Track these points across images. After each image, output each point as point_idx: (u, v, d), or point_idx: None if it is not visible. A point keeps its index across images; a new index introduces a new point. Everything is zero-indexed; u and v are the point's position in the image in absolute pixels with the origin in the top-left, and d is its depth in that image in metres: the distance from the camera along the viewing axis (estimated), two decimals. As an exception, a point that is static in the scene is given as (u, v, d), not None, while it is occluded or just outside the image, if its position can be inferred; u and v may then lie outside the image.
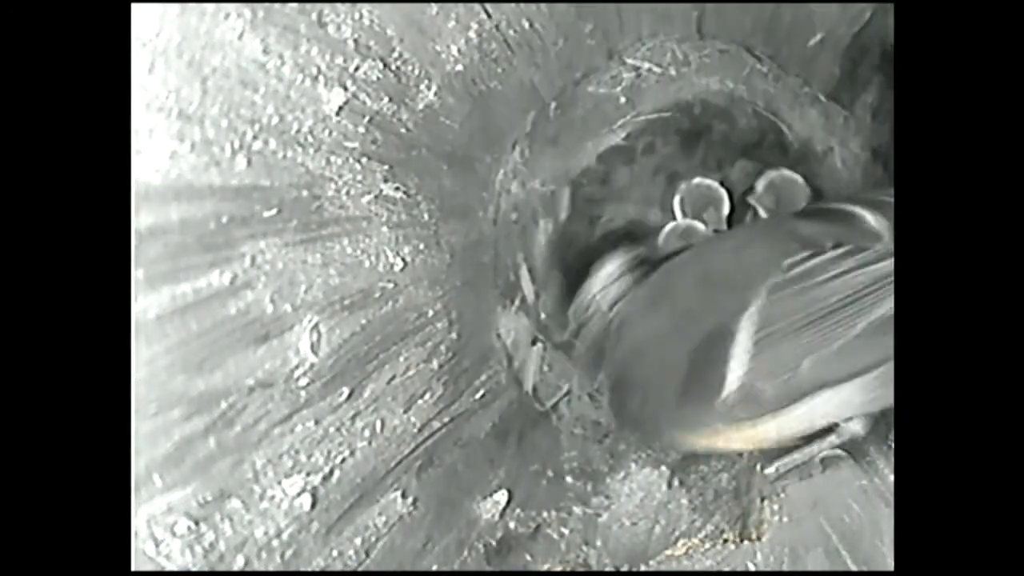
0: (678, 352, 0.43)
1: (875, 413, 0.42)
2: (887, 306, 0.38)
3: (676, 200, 0.56)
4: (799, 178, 0.56)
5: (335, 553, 0.41)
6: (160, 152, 0.33)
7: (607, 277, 0.49)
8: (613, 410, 0.48)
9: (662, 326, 0.45)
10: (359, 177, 0.41)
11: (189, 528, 0.35)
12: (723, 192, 0.56)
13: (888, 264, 0.39)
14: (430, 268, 0.46)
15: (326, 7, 0.37)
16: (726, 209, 0.56)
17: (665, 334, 0.44)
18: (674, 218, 0.56)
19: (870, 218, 0.42)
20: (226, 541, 0.37)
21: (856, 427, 0.43)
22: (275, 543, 0.39)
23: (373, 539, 0.43)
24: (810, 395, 0.40)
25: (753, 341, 0.40)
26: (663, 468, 0.52)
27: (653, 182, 0.57)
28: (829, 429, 0.44)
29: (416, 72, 0.42)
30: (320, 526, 0.40)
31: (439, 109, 0.45)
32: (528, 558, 0.49)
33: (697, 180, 0.56)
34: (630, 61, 0.54)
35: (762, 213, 0.54)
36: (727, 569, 0.46)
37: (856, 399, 0.40)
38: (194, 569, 0.36)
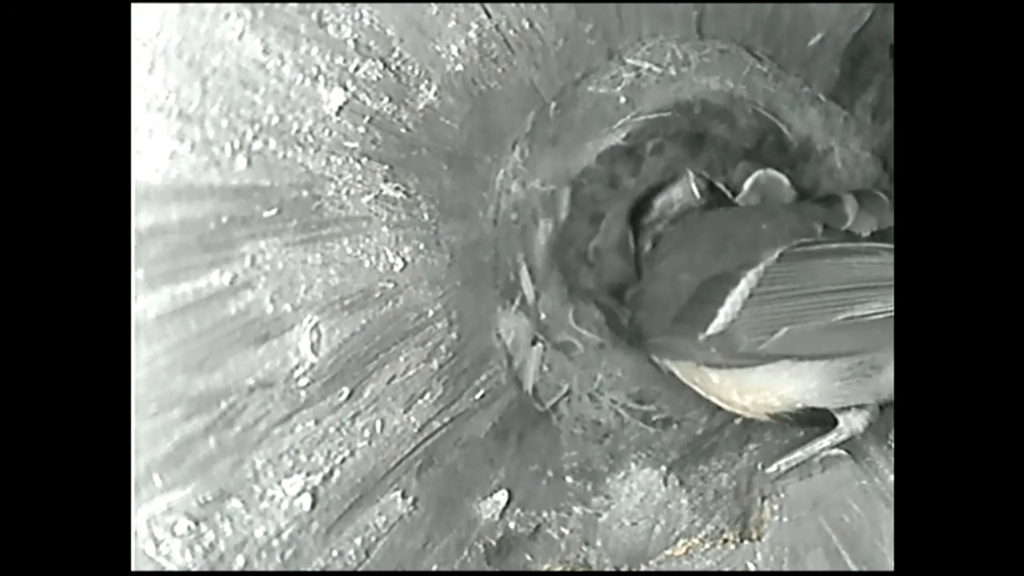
0: (686, 284, 0.47)
1: (876, 412, 0.44)
2: (873, 308, 0.40)
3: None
4: (784, 178, 0.57)
5: (335, 553, 0.41)
6: (160, 152, 0.33)
7: (675, 197, 0.54)
8: (628, 322, 0.53)
9: (682, 261, 0.50)
10: (359, 177, 0.41)
11: (189, 528, 0.35)
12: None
13: (890, 267, 0.40)
14: (430, 268, 0.46)
15: (326, 7, 0.37)
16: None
17: (680, 268, 0.49)
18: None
19: (849, 204, 0.47)
20: (226, 541, 0.37)
21: (856, 424, 0.44)
22: (275, 543, 0.39)
23: (373, 539, 0.43)
24: (774, 361, 0.43)
25: (749, 293, 0.44)
26: (663, 468, 0.52)
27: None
28: (828, 427, 0.44)
29: (416, 72, 0.42)
30: (320, 526, 0.40)
31: (439, 109, 0.45)
32: (528, 558, 0.49)
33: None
34: (630, 61, 0.54)
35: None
36: (727, 569, 0.46)
37: (813, 386, 0.43)
38: (194, 569, 0.36)
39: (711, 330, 0.44)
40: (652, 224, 0.54)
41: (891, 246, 0.42)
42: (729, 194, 0.55)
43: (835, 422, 0.45)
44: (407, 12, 0.40)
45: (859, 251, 0.43)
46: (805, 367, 0.43)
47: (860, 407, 0.44)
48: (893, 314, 0.39)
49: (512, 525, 0.49)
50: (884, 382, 0.43)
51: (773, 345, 0.42)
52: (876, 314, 0.40)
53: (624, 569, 0.48)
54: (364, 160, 0.41)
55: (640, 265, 0.54)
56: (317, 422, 0.40)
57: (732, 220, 0.51)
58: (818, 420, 0.46)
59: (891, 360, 0.42)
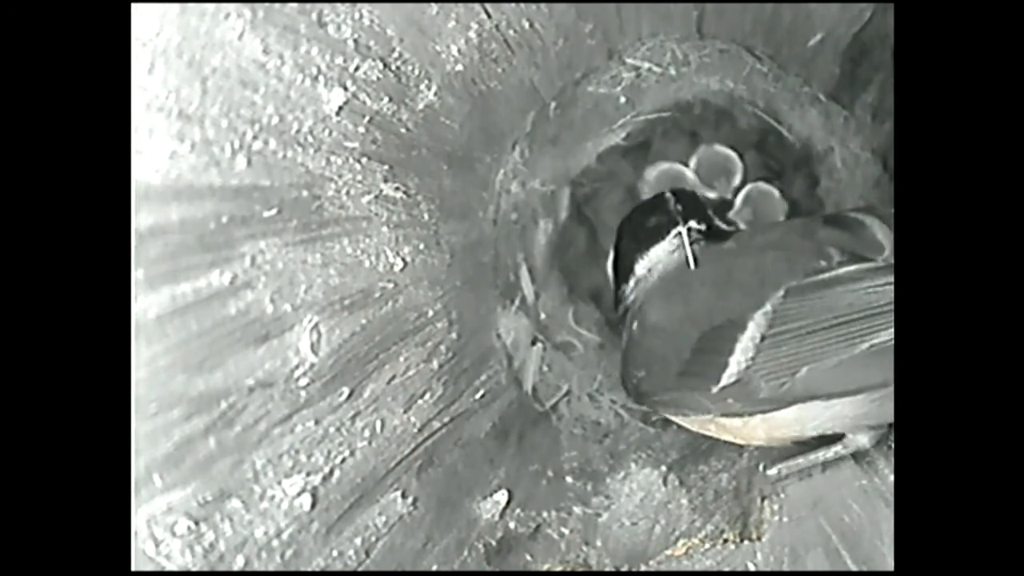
0: (686, 337, 0.44)
1: (883, 428, 0.42)
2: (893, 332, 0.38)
3: (692, 161, 0.57)
4: (775, 190, 0.57)
5: (335, 553, 0.41)
6: (160, 152, 0.33)
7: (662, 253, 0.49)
8: (622, 379, 0.49)
9: (676, 311, 0.46)
10: (359, 177, 0.41)
11: (189, 528, 0.35)
12: (739, 163, 0.56)
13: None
14: (430, 268, 0.46)
15: (326, 7, 0.37)
16: (737, 180, 0.57)
17: (678, 319, 0.46)
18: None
19: (877, 229, 0.43)
20: (226, 541, 0.37)
21: (863, 440, 0.43)
22: (275, 543, 0.39)
23: (373, 539, 0.43)
24: (801, 403, 0.41)
25: (760, 336, 0.40)
26: (663, 468, 0.52)
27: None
28: (835, 438, 0.44)
29: (416, 72, 0.42)
30: (320, 526, 0.40)
31: (439, 109, 0.45)
32: (528, 558, 0.49)
33: (716, 147, 0.57)
34: (630, 61, 0.54)
35: (742, 226, 0.54)
36: (727, 569, 0.46)
37: (848, 413, 0.41)
38: (194, 569, 0.36)
39: (724, 381, 0.41)
40: (637, 281, 0.50)
41: (876, 254, 0.40)
42: (727, 226, 0.51)
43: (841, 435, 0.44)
44: (407, 12, 0.40)
45: (873, 273, 0.40)
46: (837, 402, 0.40)
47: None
48: None
49: (512, 525, 0.49)
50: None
51: (796, 387, 0.40)
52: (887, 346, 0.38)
53: (624, 569, 0.48)
54: (364, 160, 0.41)
55: (626, 315, 0.50)
56: (317, 422, 0.40)
57: (733, 257, 0.46)
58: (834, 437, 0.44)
59: None
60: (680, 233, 0.48)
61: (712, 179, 0.57)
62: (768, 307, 0.41)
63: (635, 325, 0.48)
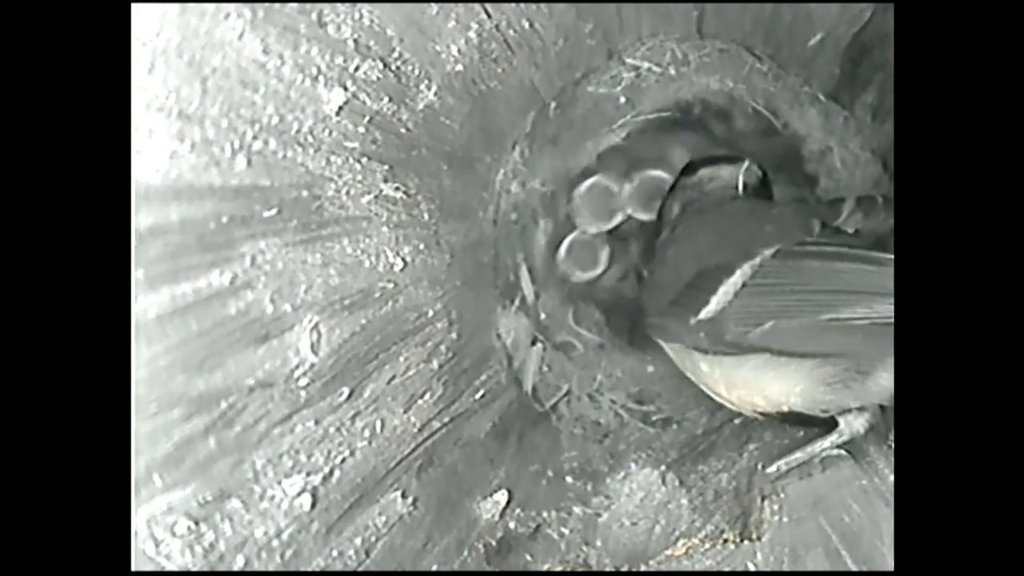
0: (686, 271, 0.48)
1: (877, 414, 0.44)
2: (858, 312, 0.41)
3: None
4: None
5: (335, 553, 0.41)
6: (160, 152, 0.33)
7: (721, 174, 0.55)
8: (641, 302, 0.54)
9: (686, 248, 0.51)
10: (359, 177, 0.41)
11: (189, 528, 0.35)
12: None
13: (884, 276, 0.41)
14: (430, 268, 0.46)
15: (326, 7, 0.37)
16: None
17: (685, 254, 0.51)
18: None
19: (848, 205, 0.49)
20: (226, 541, 0.37)
21: (856, 426, 0.45)
22: (275, 543, 0.39)
23: (373, 539, 0.43)
24: (756, 354, 0.44)
25: (742, 284, 0.45)
26: (663, 468, 0.52)
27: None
28: (829, 428, 0.45)
29: (416, 72, 0.42)
30: (320, 526, 0.40)
31: (439, 109, 0.45)
32: (528, 558, 0.49)
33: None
34: (630, 61, 0.54)
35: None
36: (727, 569, 0.46)
37: (798, 389, 0.44)
38: (194, 569, 0.36)
39: (702, 315, 0.45)
40: (686, 189, 0.55)
41: (890, 256, 0.42)
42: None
43: (836, 423, 0.45)
44: (407, 12, 0.40)
45: (854, 257, 0.43)
46: (791, 369, 0.44)
47: (861, 409, 0.44)
48: (880, 321, 0.40)
49: (512, 525, 0.49)
50: (874, 388, 0.43)
51: (757, 336, 0.43)
52: (860, 318, 0.41)
53: (624, 569, 0.48)
54: (364, 160, 0.41)
55: (655, 249, 0.56)
56: (317, 422, 0.40)
57: (740, 215, 0.52)
58: (811, 422, 0.46)
59: (879, 366, 0.42)
60: (746, 162, 0.54)
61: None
62: (757, 259, 0.45)
63: (659, 256, 0.54)
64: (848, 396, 0.44)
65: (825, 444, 0.45)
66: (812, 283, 0.43)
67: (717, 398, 0.49)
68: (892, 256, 0.42)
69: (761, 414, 0.48)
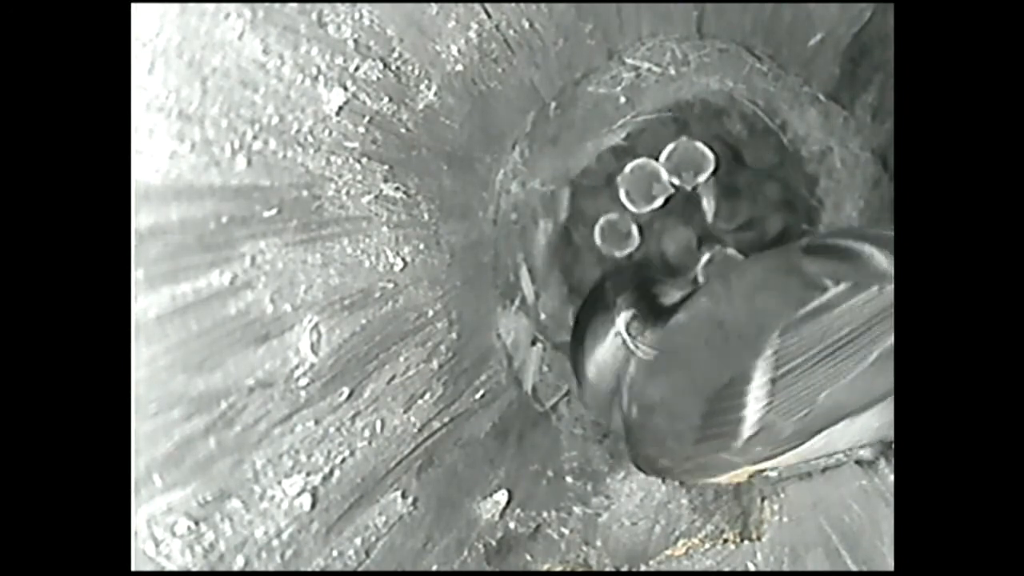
0: (694, 405, 0.43)
1: (887, 439, 0.42)
2: (889, 342, 0.38)
3: (665, 152, 0.56)
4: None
5: (335, 553, 0.41)
6: (160, 152, 0.33)
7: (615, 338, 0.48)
8: (630, 456, 0.48)
9: (675, 384, 0.45)
10: (359, 177, 0.41)
11: (189, 528, 0.35)
12: (711, 158, 0.56)
13: (892, 293, 0.39)
14: (430, 268, 0.46)
15: (326, 7, 0.37)
16: (704, 176, 0.56)
17: (680, 390, 0.44)
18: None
19: (879, 256, 0.41)
20: (226, 541, 0.37)
21: (866, 453, 0.43)
22: (275, 543, 0.39)
23: (373, 539, 0.43)
24: (827, 428, 0.40)
25: (769, 381, 0.40)
26: (663, 468, 0.52)
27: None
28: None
29: (416, 72, 0.42)
30: (320, 526, 0.40)
31: (439, 109, 0.45)
32: (528, 558, 0.49)
33: (695, 142, 0.57)
34: (630, 61, 0.54)
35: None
36: (727, 569, 0.46)
37: (874, 424, 0.41)
38: (194, 569, 0.36)
39: (747, 433, 0.41)
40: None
41: (884, 283, 0.39)
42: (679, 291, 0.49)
43: None
44: (407, 12, 0.40)
45: (861, 288, 0.40)
46: (862, 415, 0.40)
47: None
48: None
49: (512, 525, 0.49)
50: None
51: (819, 414, 0.40)
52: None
53: (624, 569, 0.48)
54: (364, 160, 0.41)
55: (612, 404, 0.49)
56: (317, 422, 0.40)
57: (719, 310, 0.45)
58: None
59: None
60: (619, 334, 0.47)
61: (682, 169, 0.56)
62: (768, 351, 0.40)
63: (633, 409, 0.46)
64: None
65: (830, 462, 0.43)
66: (840, 336, 0.39)
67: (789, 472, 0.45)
68: (891, 275, 0.40)
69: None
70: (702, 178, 0.56)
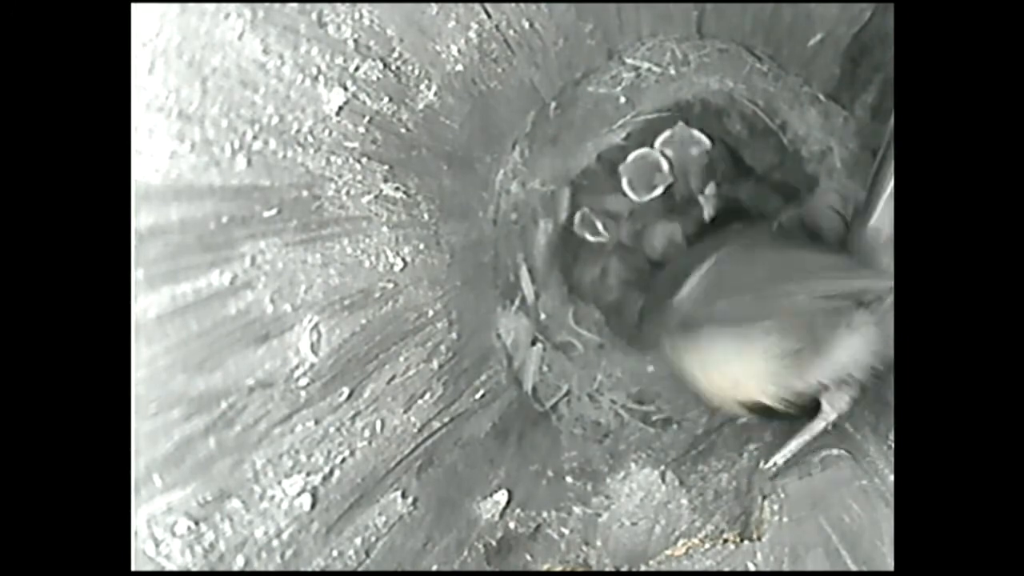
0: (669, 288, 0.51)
1: (857, 389, 0.46)
2: (803, 288, 0.45)
3: (661, 138, 0.57)
4: (700, 134, 0.58)
5: (335, 553, 0.41)
6: (160, 152, 0.33)
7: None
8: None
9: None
10: (359, 177, 0.41)
11: (189, 528, 0.35)
12: (706, 143, 0.58)
13: (836, 260, 0.45)
14: (430, 268, 0.46)
15: (326, 7, 0.37)
16: (697, 150, 0.58)
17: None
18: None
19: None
20: (226, 541, 0.37)
21: (840, 404, 0.46)
22: (275, 543, 0.39)
23: (373, 539, 0.43)
24: (713, 329, 0.48)
25: (702, 274, 0.49)
26: (663, 468, 0.52)
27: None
28: (814, 412, 0.47)
29: (416, 72, 0.42)
30: (320, 526, 0.40)
31: (439, 109, 0.45)
32: (528, 558, 0.49)
33: (691, 130, 0.58)
34: (630, 61, 0.54)
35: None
36: (727, 569, 0.46)
37: (758, 368, 0.46)
38: (194, 569, 0.36)
39: (674, 302, 0.49)
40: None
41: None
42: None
43: (819, 407, 0.45)
44: (407, 12, 0.40)
45: (803, 245, 0.49)
46: (747, 347, 0.46)
47: (839, 386, 0.45)
48: (824, 296, 0.43)
49: (512, 525, 0.49)
50: (831, 364, 0.45)
51: (708, 312, 0.47)
52: (803, 295, 0.44)
53: (624, 569, 0.48)
54: (364, 160, 0.41)
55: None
56: (317, 422, 0.40)
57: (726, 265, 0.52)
58: (794, 415, 0.47)
59: (832, 341, 0.44)
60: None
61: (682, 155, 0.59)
62: (723, 251, 0.49)
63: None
64: (809, 374, 0.45)
65: (815, 428, 0.46)
66: (761, 266, 0.48)
67: (700, 393, 0.51)
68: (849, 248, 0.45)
69: (748, 409, 0.49)
70: (695, 151, 0.59)
